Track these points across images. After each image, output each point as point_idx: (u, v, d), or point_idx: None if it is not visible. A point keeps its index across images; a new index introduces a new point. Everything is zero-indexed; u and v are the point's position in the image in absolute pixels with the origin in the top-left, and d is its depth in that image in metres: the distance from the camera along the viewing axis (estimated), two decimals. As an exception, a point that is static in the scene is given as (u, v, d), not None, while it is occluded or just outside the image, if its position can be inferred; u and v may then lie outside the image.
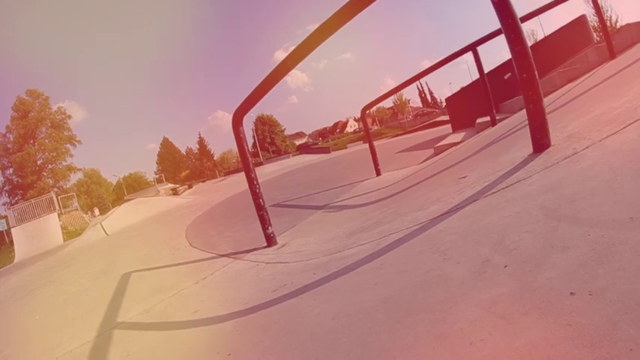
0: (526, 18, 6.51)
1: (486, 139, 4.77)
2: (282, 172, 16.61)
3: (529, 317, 1.04)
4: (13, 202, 33.11)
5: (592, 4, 8.77)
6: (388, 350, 1.21)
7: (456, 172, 3.60)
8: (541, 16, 7.11)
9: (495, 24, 2.69)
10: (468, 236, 1.79)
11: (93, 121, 71.12)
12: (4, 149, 35.69)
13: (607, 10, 20.58)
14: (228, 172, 37.49)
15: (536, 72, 2.47)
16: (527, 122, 2.64)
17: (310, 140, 71.13)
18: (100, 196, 45.86)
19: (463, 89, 11.36)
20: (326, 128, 78.13)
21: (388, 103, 65.76)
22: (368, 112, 8.37)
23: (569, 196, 1.63)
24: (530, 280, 1.20)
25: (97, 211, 31.72)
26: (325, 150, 33.31)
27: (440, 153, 7.01)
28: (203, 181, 37.37)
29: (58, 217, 19.40)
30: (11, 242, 18.10)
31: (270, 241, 3.75)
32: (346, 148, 36.14)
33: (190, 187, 31.69)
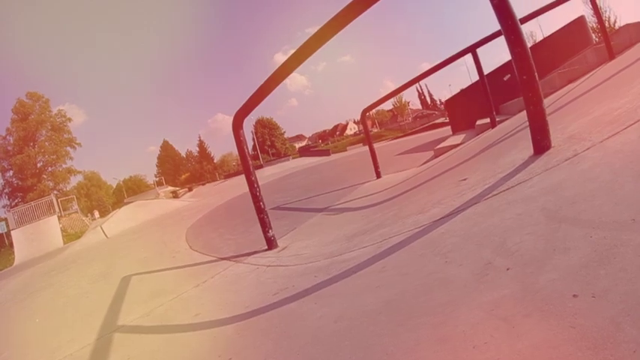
0: (525, 19, 6.53)
1: (486, 141, 4.77)
2: (282, 174, 16.60)
3: (531, 319, 1.04)
4: (13, 204, 33.11)
5: (591, 5, 8.79)
6: (390, 353, 1.21)
7: (457, 174, 3.60)
8: (540, 17, 7.13)
9: (494, 26, 2.69)
10: (470, 239, 1.79)
11: (93, 124, 71.25)
12: (5, 152, 35.74)
13: (605, 11, 20.65)
14: (229, 175, 37.47)
15: (536, 73, 2.47)
16: (527, 124, 2.64)
17: (310, 143, 71.21)
18: (100, 198, 45.89)
19: (463, 91, 11.36)
20: (326, 131, 78.26)
21: (388, 105, 65.96)
22: (368, 114, 8.37)
23: (571, 198, 1.62)
24: (532, 282, 1.20)
25: (97, 214, 31.69)
26: (325, 152, 33.32)
27: (440, 155, 7.01)
28: (203, 184, 37.33)
29: (58, 219, 19.40)
30: (11, 245, 18.10)
31: (271, 244, 3.74)
32: (346, 150, 36.17)
33: (190, 189, 31.65)
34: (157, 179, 46.38)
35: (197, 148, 61.73)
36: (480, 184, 2.60)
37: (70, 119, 39.11)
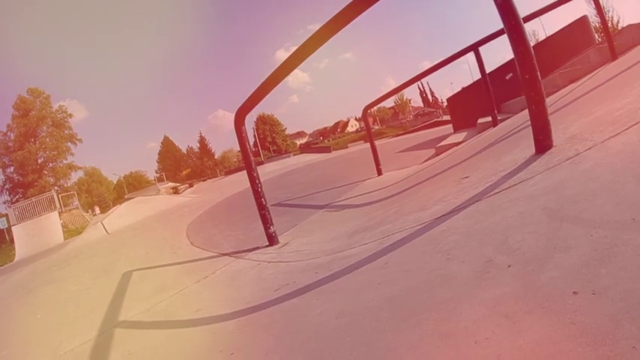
0: (528, 18, 6.52)
1: (488, 140, 4.77)
2: (283, 171, 16.61)
3: (533, 316, 1.05)
4: (13, 200, 33.19)
5: (594, 5, 8.76)
6: (393, 349, 1.22)
7: (458, 172, 3.60)
8: (543, 16, 7.12)
9: (496, 24, 2.69)
10: (472, 236, 1.80)
11: (94, 120, 71.44)
12: (5, 147, 35.78)
13: (608, 11, 20.61)
14: (229, 171, 37.46)
15: (538, 72, 2.47)
16: (529, 123, 2.64)
17: (311, 139, 71.19)
18: (100, 194, 46.01)
19: (465, 89, 11.34)
20: (327, 128, 78.24)
21: (389, 102, 65.86)
22: (369, 111, 8.37)
23: (572, 197, 1.63)
24: (534, 280, 1.21)
25: (97, 210, 31.80)
26: (326, 149, 33.28)
27: (441, 153, 7.01)
28: (204, 180, 37.38)
29: (59, 215, 19.44)
30: (12, 240, 18.16)
31: (272, 240, 3.76)
32: (347, 147, 36.12)
33: (191, 185, 31.73)
34: (158, 175, 46.54)
35: (198, 144, 61.83)
36: (482, 182, 2.61)
37: (70, 115, 39.16)
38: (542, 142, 2.48)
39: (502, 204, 1.99)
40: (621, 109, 2.40)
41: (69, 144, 38.37)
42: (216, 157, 61.90)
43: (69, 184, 38.32)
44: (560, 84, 6.94)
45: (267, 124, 60.07)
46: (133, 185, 51.30)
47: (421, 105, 68.59)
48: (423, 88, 69.20)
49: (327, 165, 13.89)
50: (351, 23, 2.88)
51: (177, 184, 33.85)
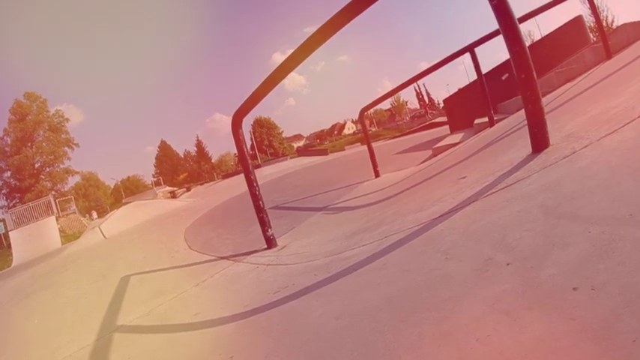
0: (523, 19, 6.55)
1: (485, 140, 4.79)
2: (280, 174, 16.60)
3: (533, 312, 1.05)
4: (10, 205, 33.04)
5: (588, 5, 8.82)
6: (393, 349, 1.22)
7: (456, 172, 3.61)
8: (538, 17, 7.16)
9: (491, 25, 2.71)
10: (470, 235, 1.80)
11: (90, 124, 71.33)
12: (2, 152, 35.67)
13: (603, 11, 20.77)
14: (227, 175, 37.42)
15: (534, 72, 2.48)
16: (525, 122, 2.65)
17: (308, 142, 71.28)
18: (98, 199, 45.84)
19: (461, 90, 11.38)
20: (324, 130, 78.39)
21: (386, 105, 66.08)
22: (366, 113, 8.38)
23: (569, 195, 1.64)
24: (533, 277, 1.21)
25: (95, 215, 31.63)
26: (323, 152, 33.28)
27: (438, 154, 7.02)
28: (201, 184, 37.28)
29: (56, 220, 19.36)
30: (9, 246, 18.05)
31: (270, 243, 3.75)
32: (344, 150, 36.15)
33: (189, 189, 31.61)
34: (155, 179, 46.37)
35: (195, 148, 61.73)
36: (479, 182, 2.61)
37: (67, 119, 39.07)
38: (539, 141, 2.49)
39: (499, 203, 1.99)
40: (616, 108, 2.42)
41: (66, 148, 38.28)
42: (213, 160, 61.84)
43: (66, 189, 38.23)
44: (555, 83, 6.99)
45: (264, 127, 60.07)
46: (130, 189, 51.14)
47: (418, 107, 68.77)
48: (420, 89, 69.45)
49: (324, 168, 13.89)
50: (348, 26, 2.89)
51: (175, 188, 33.71)
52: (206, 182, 39.64)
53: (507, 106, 7.68)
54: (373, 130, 57.64)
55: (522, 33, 2.58)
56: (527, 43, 3.02)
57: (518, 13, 2.61)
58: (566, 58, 8.55)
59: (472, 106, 8.77)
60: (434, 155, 7.24)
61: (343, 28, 2.92)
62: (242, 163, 3.90)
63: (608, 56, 6.33)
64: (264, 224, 3.74)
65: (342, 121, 77.07)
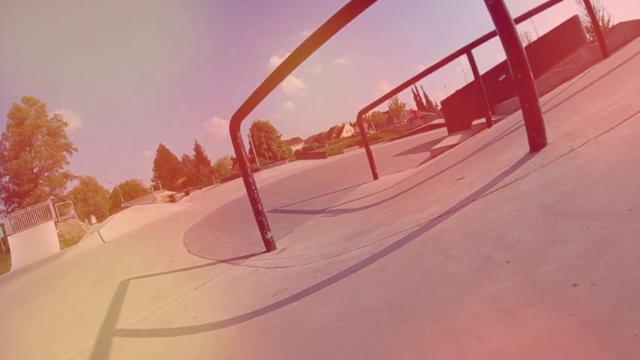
0: (520, 19, 6.58)
1: (483, 141, 4.79)
2: (279, 177, 16.59)
3: (533, 309, 1.05)
4: (9, 209, 33.03)
5: (584, 5, 8.87)
6: (393, 349, 1.21)
7: (454, 173, 3.61)
8: (534, 17, 7.19)
9: (488, 26, 2.72)
10: (468, 235, 1.80)
11: (89, 129, 71.53)
12: (0, 157, 35.63)
13: (599, 11, 20.90)
14: (225, 179, 37.38)
15: (531, 72, 2.49)
16: (522, 123, 2.66)
17: (306, 145, 71.38)
18: (96, 203, 45.79)
19: (458, 92, 11.40)
20: (322, 133, 78.56)
21: (384, 107, 66.23)
22: (364, 116, 8.40)
23: (567, 192, 1.64)
24: (533, 274, 1.21)
25: (93, 219, 31.52)
26: (321, 155, 33.28)
27: (436, 156, 7.03)
28: (200, 188, 37.26)
29: (55, 224, 19.33)
30: (7, 250, 18.01)
31: (269, 246, 3.74)
32: (342, 152, 36.17)
33: (187, 193, 31.60)
34: (154, 183, 46.37)
35: (193, 152, 61.78)
36: (477, 182, 2.61)
37: (66, 124, 39.15)
38: (536, 140, 2.49)
39: (498, 202, 1.99)
40: (613, 105, 2.42)
41: (64, 153, 38.34)
42: (211, 164, 61.84)
43: (65, 194, 38.22)
44: (553, 83, 7.01)
45: (262, 130, 60.19)
46: (129, 194, 51.12)
47: (415, 108, 68.94)
48: (417, 91, 69.68)
49: (323, 170, 13.89)
50: (344, 28, 2.90)
51: (174, 192, 33.71)
52: (205, 186, 39.60)
53: (505, 106, 7.70)
54: (371, 132, 57.79)
55: (518, 33, 2.58)
56: (524, 44, 3.03)
57: (514, 13, 2.62)
58: (563, 58, 8.57)
59: (470, 107, 8.78)
60: (432, 157, 7.25)
61: (340, 31, 2.93)
62: (240, 166, 3.89)
63: (605, 55, 6.35)
64: (263, 227, 3.73)
65: (340, 124, 77.30)
